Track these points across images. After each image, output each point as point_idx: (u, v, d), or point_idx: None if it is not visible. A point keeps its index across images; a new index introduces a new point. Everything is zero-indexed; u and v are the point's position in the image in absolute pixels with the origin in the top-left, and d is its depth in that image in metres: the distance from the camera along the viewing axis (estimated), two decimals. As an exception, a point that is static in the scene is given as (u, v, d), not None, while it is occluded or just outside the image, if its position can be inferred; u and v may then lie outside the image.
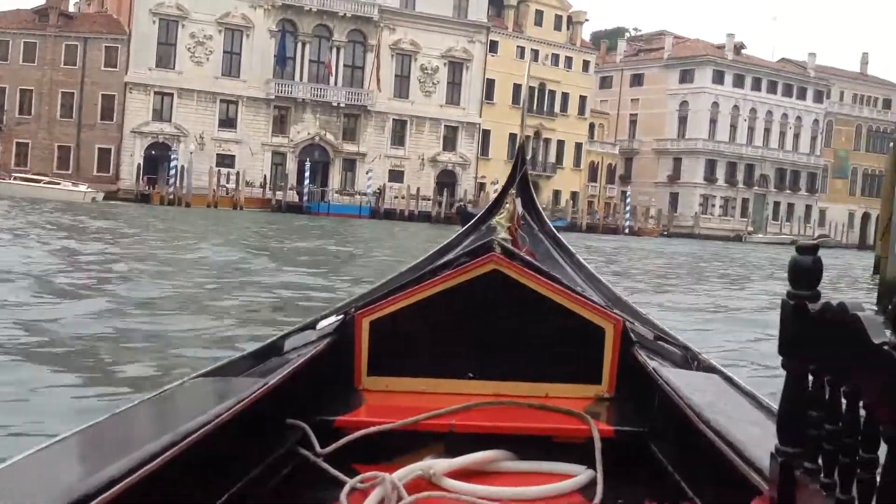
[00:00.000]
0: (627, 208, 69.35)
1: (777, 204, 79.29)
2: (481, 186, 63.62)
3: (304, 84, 58.99)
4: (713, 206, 75.75)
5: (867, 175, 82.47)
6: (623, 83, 79.11)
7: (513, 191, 4.38)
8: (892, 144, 27.19)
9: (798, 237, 74.04)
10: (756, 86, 77.47)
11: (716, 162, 75.77)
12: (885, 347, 1.08)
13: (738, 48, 78.70)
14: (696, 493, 1.88)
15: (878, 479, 1.12)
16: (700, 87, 74.79)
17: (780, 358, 1.36)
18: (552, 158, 70.20)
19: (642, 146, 77.48)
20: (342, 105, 60.13)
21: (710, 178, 75.44)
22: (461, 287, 2.63)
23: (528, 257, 3.07)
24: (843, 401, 1.21)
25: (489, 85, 65.10)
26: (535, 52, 66.03)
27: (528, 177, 4.80)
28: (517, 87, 65.54)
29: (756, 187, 77.76)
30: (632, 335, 2.66)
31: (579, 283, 3.61)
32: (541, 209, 4.82)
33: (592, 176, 73.80)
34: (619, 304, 3.26)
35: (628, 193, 71.99)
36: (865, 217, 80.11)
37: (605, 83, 79.30)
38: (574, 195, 70.47)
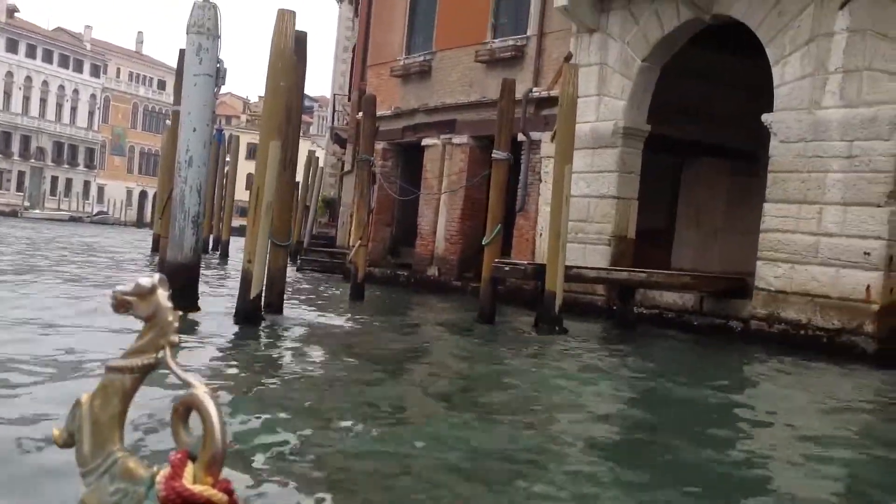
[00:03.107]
0: None
1: (55, 178, 76.45)
2: None
3: None
4: (-16, 178, 69.98)
5: (144, 153, 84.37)
6: None
7: None
8: (167, 123, 27.57)
9: (77, 213, 72.48)
10: (31, 53, 73.57)
11: (-13, 130, 70.06)
12: None
13: (12, 11, 73.76)
14: None
15: None
16: (-32, 47, 68.25)
17: None
18: None
19: None
20: None
21: (-20, 147, 69.47)
22: None
23: None
24: None
25: None
26: None
27: None
28: None
29: (33, 160, 73.93)
30: None
31: None
32: None
33: None
34: None
35: None
36: (143, 195, 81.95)
37: None
38: None
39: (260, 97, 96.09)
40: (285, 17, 9.72)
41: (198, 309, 9.88)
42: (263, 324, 9.54)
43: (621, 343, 11.39)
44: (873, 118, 11.02)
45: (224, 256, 26.02)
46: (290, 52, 9.77)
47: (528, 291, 15.42)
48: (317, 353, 8.44)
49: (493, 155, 12.93)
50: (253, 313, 9.35)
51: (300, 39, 10.40)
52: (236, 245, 27.78)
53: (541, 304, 11.87)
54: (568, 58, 15.34)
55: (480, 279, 13.39)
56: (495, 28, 18.25)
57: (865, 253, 10.96)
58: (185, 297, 9.93)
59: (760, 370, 9.94)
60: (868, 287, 10.91)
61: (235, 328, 9.09)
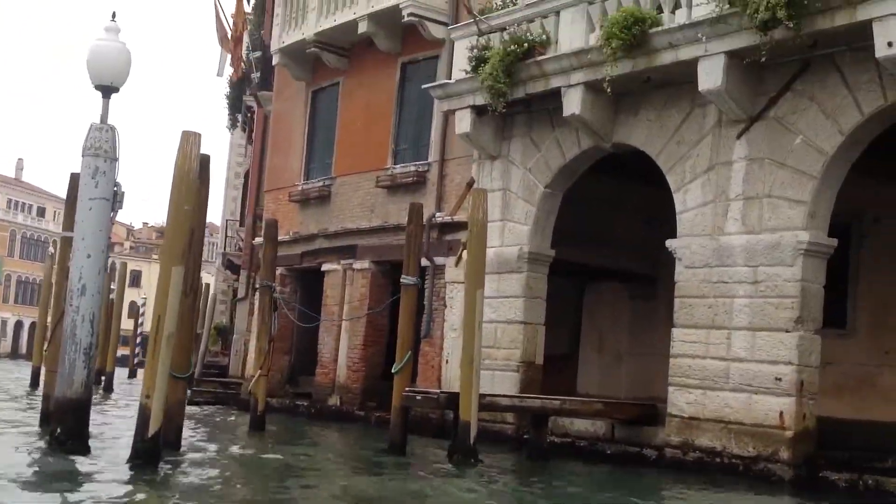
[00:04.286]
0: None
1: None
2: None
3: None
4: None
5: (21, 281, 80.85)
6: None
7: None
8: (50, 250, 26.43)
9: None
10: None
11: None
12: None
13: None
14: None
15: None
16: None
17: None
18: None
19: None
20: None
21: None
22: None
23: None
24: None
25: None
26: None
27: None
28: None
29: None
30: None
31: None
32: None
33: None
34: None
35: None
36: (19, 325, 78.10)
37: None
38: None
39: (144, 223, 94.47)
40: (190, 140, 9.35)
41: (88, 451, 9.05)
42: (161, 464, 8.77)
43: (537, 476, 10.96)
44: (776, 244, 11.22)
45: (108, 389, 24.58)
46: (194, 175, 9.36)
47: (436, 419, 14.92)
48: (221, 496, 7.75)
49: (401, 280, 12.63)
50: (151, 453, 8.58)
51: (204, 162, 10.03)
52: (119, 376, 26.43)
53: (454, 434, 11.40)
54: (471, 183, 15.37)
55: (385, 408, 12.89)
56: (396, 154, 18.24)
57: (777, 378, 10.94)
58: (75, 436, 9.11)
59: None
60: (781, 413, 10.84)
61: (131, 471, 8.30)
